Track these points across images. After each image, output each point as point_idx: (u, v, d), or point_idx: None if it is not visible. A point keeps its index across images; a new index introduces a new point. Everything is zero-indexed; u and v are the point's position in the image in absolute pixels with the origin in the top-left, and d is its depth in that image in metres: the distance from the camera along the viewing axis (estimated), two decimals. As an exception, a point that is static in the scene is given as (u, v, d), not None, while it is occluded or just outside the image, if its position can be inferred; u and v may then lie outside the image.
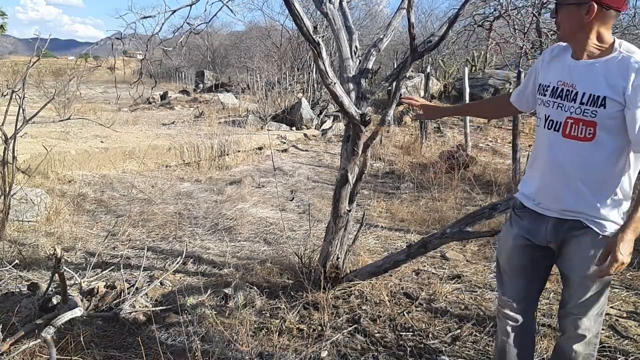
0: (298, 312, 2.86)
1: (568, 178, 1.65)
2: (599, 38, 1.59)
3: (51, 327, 2.24)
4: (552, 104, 1.67)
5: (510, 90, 2.00)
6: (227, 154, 7.71)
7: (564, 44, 1.73)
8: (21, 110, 3.89)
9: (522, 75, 6.02)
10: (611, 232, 1.61)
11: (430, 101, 9.47)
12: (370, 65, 2.88)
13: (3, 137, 3.90)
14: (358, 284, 3.12)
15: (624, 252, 1.49)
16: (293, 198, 5.66)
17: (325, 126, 10.95)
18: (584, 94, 1.58)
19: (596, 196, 1.62)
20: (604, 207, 1.62)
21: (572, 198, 1.65)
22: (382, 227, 4.61)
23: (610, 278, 1.67)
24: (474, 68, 13.81)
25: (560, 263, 1.76)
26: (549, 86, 1.70)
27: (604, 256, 1.54)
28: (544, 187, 1.74)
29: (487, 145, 8.83)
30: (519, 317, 1.87)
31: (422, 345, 2.56)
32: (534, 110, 1.86)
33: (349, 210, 3.00)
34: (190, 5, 4.38)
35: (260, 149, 8.51)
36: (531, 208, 1.78)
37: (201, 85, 23.51)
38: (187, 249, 3.83)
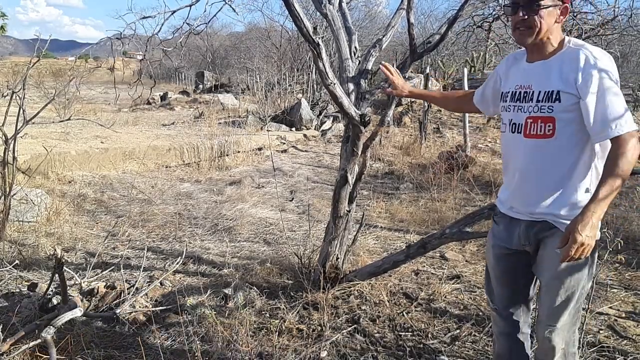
0: (298, 312, 2.86)
1: (534, 178, 1.67)
2: (556, 37, 1.64)
3: (51, 327, 2.24)
4: (512, 108, 1.71)
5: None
6: (227, 155, 7.71)
7: (519, 51, 1.77)
8: (21, 110, 3.90)
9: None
10: None
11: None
12: (369, 65, 2.89)
13: (3, 137, 3.91)
14: (357, 284, 3.12)
15: (583, 233, 1.46)
16: (293, 198, 5.66)
17: (325, 127, 10.96)
18: (539, 92, 1.62)
19: (562, 194, 1.63)
20: (570, 206, 1.62)
21: (539, 199, 1.66)
22: (381, 227, 4.62)
23: (578, 285, 1.63)
24: (473, 69, 13.84)
25: (534, 268, 1.76)
26: (509, 92, 1.74)
27: (564, 239, 1.51)
28: (513, 190, 1.76)
29: (486, 145, 8.84)
30: (507, 323, 1.88)
31: (422, 345, 2.57)
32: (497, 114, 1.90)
33: (349, 211, 3.01)
34: (190, 6, 4.38)
35: (260, 149, 8.52)
36: (505, 213, 1.80)
37: (201, 86, 23.50)
38: (187, 249, 3.83)
